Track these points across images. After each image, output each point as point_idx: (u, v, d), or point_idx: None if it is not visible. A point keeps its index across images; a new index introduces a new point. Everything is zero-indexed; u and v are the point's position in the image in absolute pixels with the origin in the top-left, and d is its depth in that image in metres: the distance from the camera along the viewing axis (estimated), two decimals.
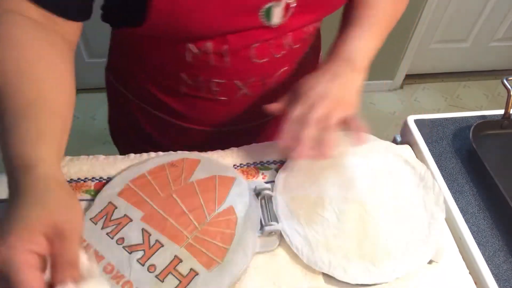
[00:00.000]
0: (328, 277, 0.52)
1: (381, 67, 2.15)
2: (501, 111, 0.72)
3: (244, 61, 0.61)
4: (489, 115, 0.75)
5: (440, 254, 0.55)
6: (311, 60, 0.74)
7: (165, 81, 0.67)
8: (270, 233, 0.54)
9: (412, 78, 2.33)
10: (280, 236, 0.55)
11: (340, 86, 0.56)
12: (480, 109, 2.10)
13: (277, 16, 0.56)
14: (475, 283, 0.54)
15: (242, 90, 0.66)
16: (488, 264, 0.55)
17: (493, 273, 0.54)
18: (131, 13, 0.54)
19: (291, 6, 0.56)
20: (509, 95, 0.68)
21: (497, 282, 0.54)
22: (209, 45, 0.57)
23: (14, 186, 0.40)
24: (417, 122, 0.73)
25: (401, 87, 2.30)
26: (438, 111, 2.19)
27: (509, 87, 0.67)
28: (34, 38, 0.47)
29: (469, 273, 0.55)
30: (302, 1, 0.56)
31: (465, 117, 0.75)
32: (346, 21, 0.64)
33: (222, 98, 0.67)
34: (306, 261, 0.52)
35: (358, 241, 0.54)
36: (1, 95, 0.44)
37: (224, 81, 0.63)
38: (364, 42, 0.62)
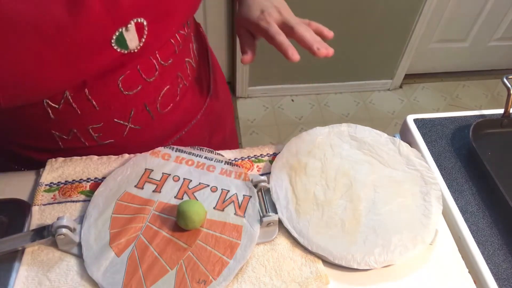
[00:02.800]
0: (328, 262, 0.53)
1: (380, 66, 2.15)
2: (501, 111, 0.72)
3: (114, 97, 0.56)
4: (488, 115, 0.75)
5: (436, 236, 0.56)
6: (198, 65, 0.70)
7: (39, 142, 0.61)
8: (269, 224, 0.55)
9: (411, 77, 2.33)
10: (279, 225, 0.56)
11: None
12: (480, 108, 2.11)
13: (132, 40, 0.51)
14: (475, 282, 0.54)
15: (127, 126, 0.61)
16: (488, 263, 0.55)
17: (492, 272, 0.54)
18: None
19: (143, 24, 0.51)
20: (509, 94, 0.68)
21: (496, 281, 0.54)
22: (67, 94, 0.52)
23: None
24: (417, 121, 0.73)
25: (401, 86, 2.30)
26: (438, 111, 2.19)
27: (509, 85, 0.67)
28: None
29: (469, 272, 0.55)
30: (153, 16, 0.52)
31: (464, 116, 0.75)
32: None
33: (108, 141, 0.62)
34: (307, 246, 0.54)
35: (358, 227, 0.54)
36: None
37: (101, 124, 0.58)
38: None
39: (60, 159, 0.61)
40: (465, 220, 0.59)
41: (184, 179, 0.59)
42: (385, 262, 0.53)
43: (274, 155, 0.65)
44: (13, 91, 0.46)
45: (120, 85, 0.55)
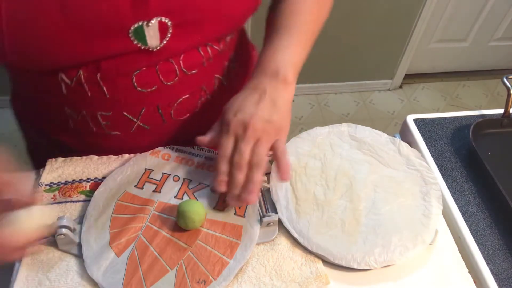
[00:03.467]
0: (328, 262, 0.53)
1: (380, 66, 2.15)
2: (501, 111, 0.72)
3: (127, 90, 0.56)
4: (488, 115, 0.75)
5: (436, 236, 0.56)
6: (231, 86, 0.68)
7: (54, 117, 0.62)
8: (269, 224, 0.55)
9: (411, 77, 2.33)
10: (279, 225, 0.56)
11: (267, 106, 0.54)
12: (480, 108, 2.11)
13: (152, 37, 0.51)
14: (475, 282, 0.54)
15: (136, 123, 0.60)
16: (488, 263, 0.55)
17: (492, 272, 0.54)
18: None
19: (168, 24, 0.51)
20: (509, 94, 0.68)
21: (496, 281, 0.54)
22: (81, 73, 0.53)
23: None
24: (417, 121, 0.73)
25: (401, 86, 2.30)
26: (438, 111, 2.19)
27: (509, 85, 0.67)
28: None
29: (469, 272, 0.55)
30: (179, 19, 0.51)
31: (464, 116, 0.75)
32: (272, 30, 0.61)
33: (114, 132, 0.61)
34: (307, 246, 0.54)
35: (358, 227, 0.54)
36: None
37: (110, 113, 0.58)
38: (292, 52, 0.58)
39: (60, 159, 0.61)
40: (465, 220, 0.59)
41: (184, 179, 0.59)
42: (385, 262, 0.53)
43: None
44: (20, 46, 0.47)
45: (134, 80, 0.55)
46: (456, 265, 0.55)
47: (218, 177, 0.54)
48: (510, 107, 0.70)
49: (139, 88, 0.56)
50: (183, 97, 0.61)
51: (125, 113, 0.59)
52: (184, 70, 0.57)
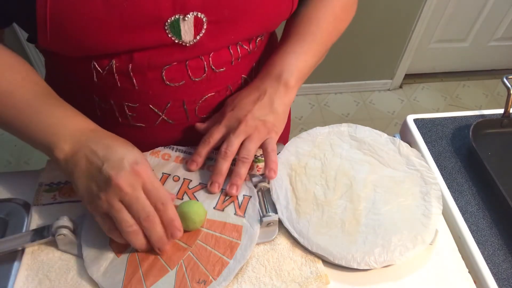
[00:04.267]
0: (328, 262, 0.53)
1: (380, 66, 2.15)
2: (500, 111, 0.72)
3: (155, 83, 0.56)
4: (488, 115, 0.75)
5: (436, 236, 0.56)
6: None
7: (83, 103, 0.61)
8: (269, 224, 0.55)
9: (411, 77, 2.33)
10: (279, 225, 0.56)
11: (264, 106, 0.57)
12: (479, 108, 2.11)
13: (187, 32, 0.51)
14: (475, 282, 0.54)
15: (160, 117, 0.61)
16: (488, 263, 0.55)
17: (492, 272, 0.54)
18: (26, 29, 0.51)
19: (203, 20, 0.51)
20: (509, 94, 0.68)
21: (496, 281, 0.54)
22: (113, 63, 0.53)
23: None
24: (417, 121, 0.73)
25: (401, 86, 2.30)
26: (438, 111, 2.19)
27: (509, 85, 0.67)
28: None
29: (469, 272, 0.55)
30: (215, 16, 0.52)
31: (464, 116, 0.75)
32: (286, 34, 0.63)
33: (139, 124, 0.62)
34: (307, 246, 0.54)
35: (358, 227, 0.54)
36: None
37: (136, 105, 0.59)
38: (299, 58, 0.60)
39: None
40: (465, 220, 0.59)
41: (184, 179, 0.59)
42: (385, 262, 0.53)
43: None
44: (61, 32, 0.48)
45: (163, 74, 0.55)
46: (456, 265, 0.55)
47: (193, 156, 0.59)
48: (510, 107, 0.70)
49: (167, 82, 0.57)
50: (209, 95, 0.61)
51: (151, 106, 0.59)
52: (213, 67, 0.58)
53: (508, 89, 0.67)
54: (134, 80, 0.55)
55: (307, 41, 0.62)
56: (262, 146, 0.58)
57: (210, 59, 0.57)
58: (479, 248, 0.56)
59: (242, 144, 0.57)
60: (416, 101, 2.24)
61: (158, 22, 0.49)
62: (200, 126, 0.62)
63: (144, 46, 0.51)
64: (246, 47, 0.60)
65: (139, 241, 0.48)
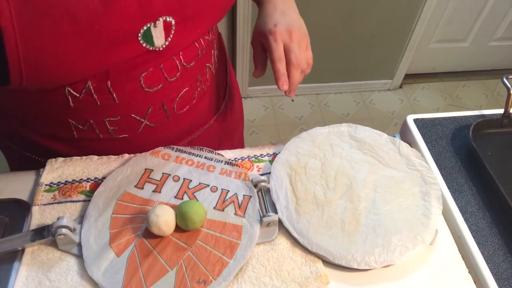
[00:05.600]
0: (328, 262, 0.53)
1: (380, 66, 2.15)
2: (500, 111, 0.72)
3: (135, 92, 0.57)
4: (488, 115, 0.75)
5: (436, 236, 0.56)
6: (217, 70, 0.72)
7: (54, 130, 0.61)
8: (269, 224, 0.55)
9: (411, 77, 2.33)
10: (279, 225, 0.56)
11: (291, 17, 0.62)
12: (479, 108, 2.11)
13: (158, 37, 0.52)
14: (475, 282, 0.54)
15: (143, 123, 0.61)
16: (488, 263, 0.55)
17: (492, 272, 0.54)
18: None
19: (171, 23, 0.52)
20: (509, 94, 0.68)
21: (496, 281, 0.54)
22: (89, 84, 0.53)
23: None
24: (417, 121, 0.73)
25: (401, 86, 2.30)
26: (438, 111, 2.19)
27: (509, 85, 0.67)
28: None
29: (469, 272, 0.55)
30: (181, 16, 0.53)
31: (464, 116, 0.75)
32: None
33: (122, 136, 0.62)
34: (307, 246, 0.54)
35: (358, 227, 0.54)
36: None
37: (118, 118, 0.59)
38: None
39: (60, 159, 0.61)
40: (465, 220, 0.59)
41: (184, 179, 0.59)
42: (385, 262, 0.53)
43: (274, 155, 0.65)
44: (37, 71, 0.47)
45: (142, 82, 0.56)
46: (456, 265, 0.55)
47: (281, 78, 0.60)
48: (510, 107, 0.70)
49: (147, 89, 0.57)
50: (184, 90, 0.62)
51: (133, 115, 0.60)
52: (184, 64, 0.59)
53: (508, 89, 0.67)
54: (115, 95, 0.55)
55: None
56: (288, 50, 0.61)
57: (181, 57, 0.58)
58: (479, 248, 0.56)
59: (287, 44, 0.60)
60: (416, 101, 2.24)
61: (132, 34, 0.50)
62: (257, 72, 0.65)
63: (120, 61, 0.51)
64: (207, 37, 0.63)
65: None
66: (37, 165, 0.62)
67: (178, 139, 0.68)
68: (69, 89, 0.53)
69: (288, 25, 0.61)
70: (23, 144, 0.66)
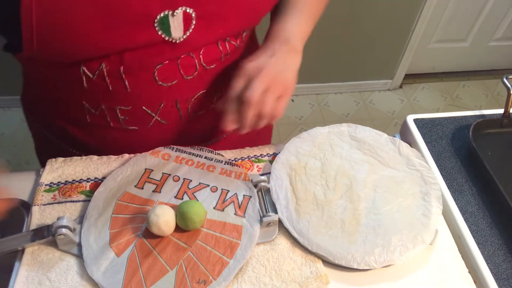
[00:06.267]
0: (328, 262, 0.53)
1: (380, 66, 2.15)
2: (500, 111, 0.72)
3: (148, 84, 0.56)
4: (488, 115, 0.75)
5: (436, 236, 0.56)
6: None
7: (70, 112, 0.62)
8: (269, 224, 0.55)
9: (411, 77, 2.33)
10: (279, 225, 0.56)
11: (278, 61, 0.57)
12: (479, 108, 2.11)
13: (176, 28, 0.51)
14: (475, 282, 0.54)
15: (154, 118, 0.61)
16: (488, 263, 0.55)
17: (492, 272, 0.54)
18: (9, 37, 0.49)
19: (192, 15, 0.51)
20: (509, 94, 0.68)
21: (496, 281, 0.54)
22: (103, 66, 0.52)
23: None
24: (417, 121, 0.73)
25: (401, 86, 2.30)
26: (438, 111, 2.19)
27: (509, 85, 0.67)
28: None
29: (469, 272, 0.55)
30: (203, 10, 0.52)
31: (464, 116, 0.75)
32: (281, 7, 0.64)
33: (132, 127, 0.62)
34: (307, 246, 0.54)
35: (358, 227, 0.54)
36: None
37: (129, 107, 0.59)
38: (301, 25, 0.62)
39: (60, 159, 0.61)
40: (465, 220, 0.59)
41: (184, 179, 0.59)
42: (385, 262, 0.53)
43: (274, 155, 0.65)
44: (48, 37, 0.47)
45: (155, 74, 0.55)
46: (456, 265, 0.55)
47: (227, 116, 0.55)
48: (510, 107, 0.70)
49: (160, 82, 0.56)
50: (200, 92, 0.61)
51: (144, 108, 0.59)
52: (204, 64, 0.58)
53: (508, 89, 0.67)
54: (126, 82, 0.55)
55: (303, 10, 0.63)
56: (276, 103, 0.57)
57: (201, 56, 0.57)
58: (479, 248, 0.56)
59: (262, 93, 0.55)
60: (416, 101, 2.24)
61: (148, 19, 0.49)
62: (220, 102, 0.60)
63: (134, 45, 0.51)
64: (234, 43, 0.60)
65: None
66: (61, 152, 0.63)
67: (191, 143, 0.66)
68: (83, 68, 0.52)
69: (266, 64, 0.55)
70: (50, 128, 0.68)
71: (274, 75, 0.55)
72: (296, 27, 0.61)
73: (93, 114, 0.60)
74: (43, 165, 0.62)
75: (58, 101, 0.62)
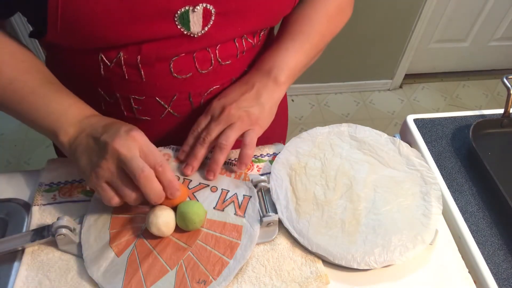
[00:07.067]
0: (328, 262, 0.53)
1: (380, 66, 2.15)
2: (500, 111, 0.72)
3: (163, 75, 0.57)
4: (488, 115, 0.75)
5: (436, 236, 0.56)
6: None
7: (87, 97, 0.61)
8: (269, 224, 0.55)
9: (411, 77, 2.33)
10: (279, 225, 0.56)
11: (250, 98, 0.59)
12: (479, 108, 2.10)
13: (196, 24, 0.52)
14: (475, 282, 0.54)
15: (166, 109, 0.61)
16: (488, 263, 0.55)
17: (492, 272, 0.54)
18: (34, 21, 0.52)
19: (211, 12, 0.52)
20: (509, 94, 0.68)
21: (496, 281, 0.54)
22: (121, 55, 0.53)
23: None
24: (417, 121, 0.73)
25: (401, 86, 2.30)
26: (438, 111, 2.19)
27: (509, 85, 0.67)
28: None
29: (469, 272, 0.55)
30: (223, 8, 0.52)
31: (464, 116, 0.75)
32: (280, 32, 0.64)
33: (144, 118, 0.62)
34: (307, 246, 0.54)
35: (358, 227, 0.54)
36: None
37: (143, 97, 0.59)
38: (291, 56, 0.61)
39: (60, 159, 0.61)
40: (465, 220, 0.59)
41: (184, 179, 0.59)
42: (385, 262, 0.53)
43: (274, 155, 0.65)
44: (71, 24, 0.48)
45: (171, 65, 0.56)
46: (456, 265, 0.55)
47: (182, 147, 0.60)
48: (510, 107, 0.70)
49: (175, 74, 0.57)
50: (214, 87, 0.62)
51: (157, 98, 0.60)
52: (219, 60, 0.59)
53: (508, 89, 0.67)
54: (142, 72, 0.56)
55: (299, 40, 0.63)
56: (242, 137, 0.59)
57: (217, 51, 0.57)
58: (479, 248, 0.56)
59: (222, 131, 0.58)
60: (416, 101, 2.25)
61: (168, 13, 0.50)
62: None
63: (153, 38, 0.52)
64: (251, 41, 0.61)
65: (154, 188, 0.48)
66: None
67: None
68: (102, 55, 0.54)
69: (231, 102, 0.58)
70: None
71: (239, 113, 0.58)
72: (284, 59, 0.61)
73: (108, 102, 0.61)
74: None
75: (77, 86, 0.62)
